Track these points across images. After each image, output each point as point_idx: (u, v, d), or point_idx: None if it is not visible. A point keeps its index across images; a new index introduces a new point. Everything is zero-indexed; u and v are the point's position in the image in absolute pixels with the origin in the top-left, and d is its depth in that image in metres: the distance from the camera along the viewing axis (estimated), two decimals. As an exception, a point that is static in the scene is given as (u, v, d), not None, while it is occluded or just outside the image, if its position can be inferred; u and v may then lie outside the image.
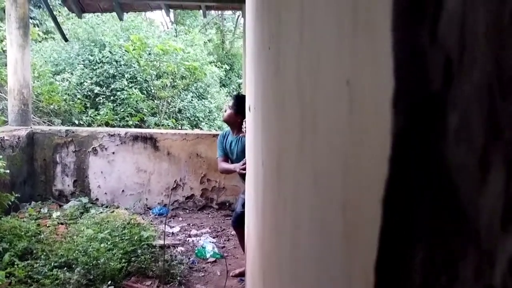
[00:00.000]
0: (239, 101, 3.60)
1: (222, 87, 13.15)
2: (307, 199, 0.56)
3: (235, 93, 3.99)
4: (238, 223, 3.74)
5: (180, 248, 4.48)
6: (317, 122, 0.49)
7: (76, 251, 3.80)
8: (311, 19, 0.56)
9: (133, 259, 3.85)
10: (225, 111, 3.69)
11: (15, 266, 3.58)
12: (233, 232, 5.13)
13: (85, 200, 5.68)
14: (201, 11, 7.23)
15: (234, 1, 6.29)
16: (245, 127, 3.62)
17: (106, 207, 5.81)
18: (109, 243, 4.01)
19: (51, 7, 6.92)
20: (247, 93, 3.53)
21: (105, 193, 5.97)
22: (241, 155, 3.56)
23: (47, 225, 4.75)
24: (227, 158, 3.73)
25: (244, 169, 3.32)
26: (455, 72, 0.22)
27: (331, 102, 0.41)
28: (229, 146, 3.70)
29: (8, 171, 4.43)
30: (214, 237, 4.91)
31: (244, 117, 3.61)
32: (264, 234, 1.25)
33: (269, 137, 1.13)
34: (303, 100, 0.58)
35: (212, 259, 4.27)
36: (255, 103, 1.95)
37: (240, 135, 3.64)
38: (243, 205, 3.71)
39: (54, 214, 5.15)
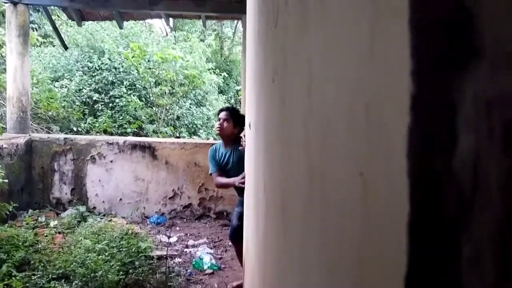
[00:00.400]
0: (236, 114, 3.64)
1: (220, 94, 13.17)
2: (316, 258, 0.57)
3: (225, 106, 3.92)
4: (235, 237, 3.73)
5: (177, 259, 4.48)
6: (327, 194, 0.50)
7: (74, 263, 3.80)
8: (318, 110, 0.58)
9: (130, 271, 3.85)
10: (221, 124, 3.60)
11: (13, 277, 3.57)
12: (231, 243, 5.15)
13: (82, 208, 5.67)
14: (200, 20, 7.27)
15: (234, 11, 6.32)
16: (244, 141, 3.62)
17: (104, 215, 5.81)
18: (106, 254, 4.01)
19: (51, 14, 6.94)
20: (246, 108, 3.55)
21: (103, 202, 5.97)
22: (238, 165, 3.53)
23: (45, 235, 4.73)
24: (221, 172, 3.67)
25: (243, 183, 3.32)
26: (468, 208, 0.24)
27: (343, 187, 0.43)
28: (223, 158, 3.64)
29: (6, 180, 4.42)
30: (211, 248, 4.91)
31: (241, 129, 3.62)
32: (266, 264, 1.27)
33: (273, 171, 1.15)
34: (310, 163, 0.60)
35: (210, 271, 4.27)
36: (256, 124, 1.97)
37: (240, 148, 3.64)
38: (238, 219, 3.72)
39: (52, 223, 5.14)
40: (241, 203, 3.72)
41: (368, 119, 0.36)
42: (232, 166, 3.60)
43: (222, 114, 3.60)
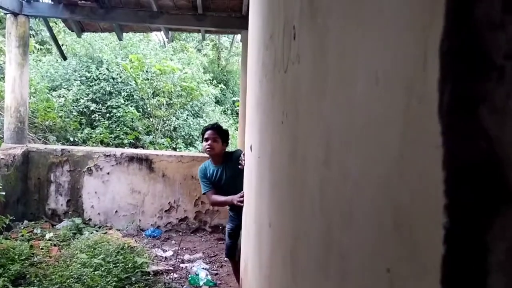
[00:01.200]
0: (223, 132, 3.65)
1: (217, 104, 13.21)
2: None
3: (210, 124, 3.87)
4: (230, 255, 3.77)
5: (173, 275, 4.47)
6: (347, 271, 0.53)
7: (70, 278, 3.79)
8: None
9: (126, 287, 3.85)
10: (211, 144, 3.53)
11: (9, 292, 3.55)
12: (226, 259, 5.16)
13: (78, 220, 5.66)
14: (199, 33, 7.33)
15: (233, 26, 6.38)
16: (243, 160, 3.63)
17: (99, 227, 5.80)
18: (103, 269, 4.01)
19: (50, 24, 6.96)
20: (247, 128, 3.58)
21: (98, 214, 5.96)
22: (232, 180, 3.54)
23: (40, 247, 4.72)
24: (215, 189, 3.62)
25: (242, 201, 3.34)
26: None
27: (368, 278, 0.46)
28: (215, 175, 3.61)
29: (3, 193, 4.41)
30: (207, 263, 4.91)
31: (227, 144, 3.70)
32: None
33: (282, 211, 1.18)
34: (329, 234, 0.63)
35: (206, 287, 4.27)
36: (259, 152, 2.00)
37: (239, 167, 3.65)
38: (230, 236, 3.75)
39: (47, 235, 5.13)
40: (232, 219, 3.77)
41: (399, 231, 0.40)
42: (225, 181, 3.59)
43: (210, 134, 3.56)
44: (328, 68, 0.70)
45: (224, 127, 3.78)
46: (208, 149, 3.54)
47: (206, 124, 10.41)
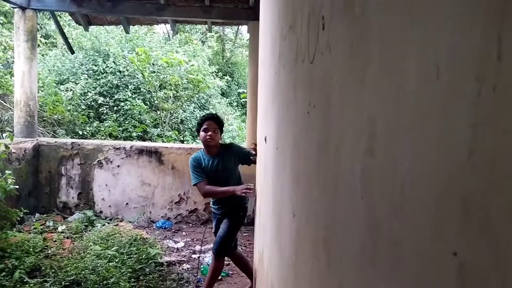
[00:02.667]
0: (221, 123, 3.60)
1: (223, 97, 13.22)
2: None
3: (209, 114, 3.76)
4: (225, 252, 3.66)
5: (185, 266, 4.51)
6: (403, 262, 0.54)
7: (85, 269, 3.84)
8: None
9: (141, 277, 3.89)
10: (212, 135, 3.45)
11: (25, 284, 3.60)
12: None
13: (89, 213, 5.71)
14: (204, 25, 7.31)
15: (240, 17, 6.36)
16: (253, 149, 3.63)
17: (110, 220, 5.85)
18: (117, 260, 4.05)
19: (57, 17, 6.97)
20: (259, 120, 3.59)
21: (109, 206, 6.00)
22: (226, 172, 3.53)
23: (53, 240, 4.78)
24: (207, 181, 3.52)
25: (246, 192, 3.33)
26: None
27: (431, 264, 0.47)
28: (210, 165, 3.52)
29: (17, 186, 4.45)
30: (219, 254, 4.94)
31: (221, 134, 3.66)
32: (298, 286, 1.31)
33: (308, 202, 1.19)
34: (373, 220, 0.64)
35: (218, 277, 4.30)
36: (277, 143, 2.00)
37: (252, 158, 3.65)
38: (215, 234, 3.69)
39: (60, 228, 5.19)
40: (214, 216, 3.76)
41: (469, 215, 0.41)
42: (220, 173, 3.52)
43: (211, 124, 3.48)
44: (370, 57, 0.70)
45: (222, 117, 3.79)
46: (209, 140, 3.45)
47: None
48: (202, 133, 3.47)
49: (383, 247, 0.62)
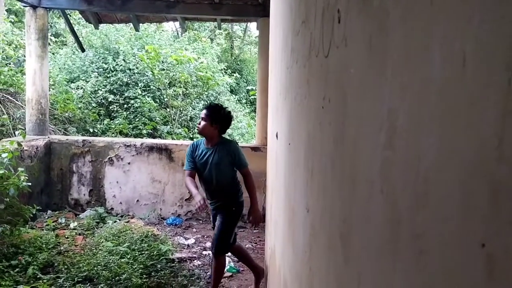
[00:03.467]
0: (214, 112, 3.51)
1: (232, 94, 13.22)
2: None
3: (210, 103, 3.77)
4: (219, 250, 3.60)
5: (196, 262, 4.53)
6: (432, 257, 0.54)
7: (97, 265, 3.87)
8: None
9: (153, 274, 3.92)
10: (199, 123, 3.52)
11: (39, 280, 3.64)
12: (248, 245, 5.20)
13: (101, 210, 5.75)
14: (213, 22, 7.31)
15: (249, 14, 6.35)
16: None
17: (121, 216, 5.89)
18: (128, 256, 4.08)
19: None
20: (270, 117, 3.58)
21: (120, 203, 6.04)
22: (216, 167, 3.47)
23: (66, 236, 4.82)
24: (194, 172, 3.56)
25: (199, 209, 3.36)
26: None
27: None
28: (202, 156, 3.51)
29: (30, 183, 4.50)
30: (229, 251, 4.96)
31: (221, 127, 3.52)
32: (311, 282, 1.31)
33: (323, 196, 1.19)
34: (396, 214, 0.64)
35: (229, 274, 4.32)
36: (290, 139, 2.00)
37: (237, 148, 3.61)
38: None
39: (72, 224, 5.23)
40: (211, 213, 3.74)
41: (498, 207, 0.40)
42: (210, 166, 3.49)
43: (202, 113, 3.55)
44: (390, 50, 0.70)
45: (228, 110, 3.65)
46: (197, 127, 3.58)
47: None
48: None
49: (404, 240, 0.62)
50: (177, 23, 14.40)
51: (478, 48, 0.45)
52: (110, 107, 9.04)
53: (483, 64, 0.43)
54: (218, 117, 3.49)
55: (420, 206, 0.56)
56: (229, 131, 10.38)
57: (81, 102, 8.52)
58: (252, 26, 17.49)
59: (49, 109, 7.00)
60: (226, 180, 3.53)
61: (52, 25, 11.96)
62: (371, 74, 0.79)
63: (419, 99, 0.58)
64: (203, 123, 3.47)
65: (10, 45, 8.34)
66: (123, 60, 9.41)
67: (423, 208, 0.56)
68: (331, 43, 1.13)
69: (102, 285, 3.58)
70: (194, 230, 5.69)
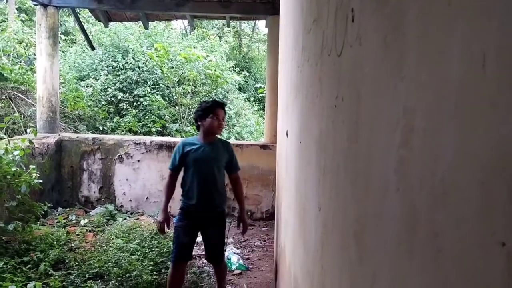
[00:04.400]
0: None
1: (240, 92, 13.23)
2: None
3: (216, 100, 3.69)
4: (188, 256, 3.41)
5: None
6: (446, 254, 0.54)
7: (108, 262, 3.90)
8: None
9: (163, 270, 3.94)
10: (222, 124, 3.31)
11: (50, 276, 3.68)
12: (257, 243, 5.21)
13: (110, 207, 5.80)
14: (221, 20, 7.32)
15: (258, 12, 6.35)
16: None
17: (131, 213, 5.93)
18: (139, 254, 4.11)
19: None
20: (279, 115, 3.59)
21: (130, 200, 6.08)
22: (216, 164, 3.28)
23: (76, 233, 4.87)
24: (177, 174, 3.37)
25: (159, 229, 3.31)
26: None
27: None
28: (201, 150, 3.25)
29: (41, 181, 4.55)
30: (238, 248, 4.98)
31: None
32: (323, 281, 1.32)
33: (336, 195, 1.19)
34: (412, 209, 0.64)
35: (238, 271, 4.33)
36: (300, 137, 2.00)
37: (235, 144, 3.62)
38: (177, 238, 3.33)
39: (82, 221, 5.28)
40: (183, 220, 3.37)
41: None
42: (208, 159, 3.26)
43: (222, 113, 3.31)
44: (406, 49, 0.70)
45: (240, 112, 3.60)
46: (220, 129, 3.31)
47: (230, 111, 10.47)
48: (210, 120, 3.23)
49: (421, 239, 0.62)
50: (185, 21, 14.46)
51: (500, 48, 0.45)
52: (120, 105, 9.09)
53: (505, 63, 0.43)
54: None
55: (439, 205, 0.57)
56: (237, 129, 10.42)
57: (91, 100, 8.59)
58: (261, 24, 17.53)
59: (60, 107, 7.07)
60: (222, 180, 3.35)
61: (61, 23, 12.05)
62: (386, 73, 0.79)
63: (438, 98, 0.58)
64: (225, 124, 3.38)
65: (20, 43, 8.42)
66: (133, 58, 9.47)
67: (441, 207, 0.56)
68: (344, 41, 1.13)
69: (112, 281, 3.61)
70: (203, 227, 5.71)
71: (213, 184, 3.27)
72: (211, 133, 3.29)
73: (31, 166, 4.55)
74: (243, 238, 5.32)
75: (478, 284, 0.48)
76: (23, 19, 10.57)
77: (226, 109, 9.78)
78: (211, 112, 3.25)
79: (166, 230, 3.37)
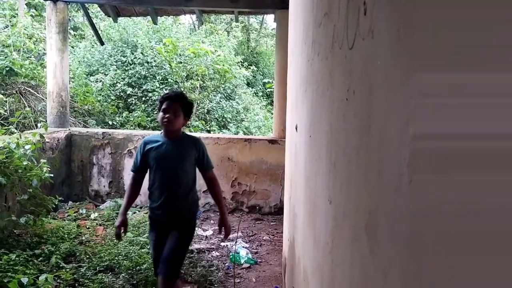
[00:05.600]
0: (188, 105, 2.98)
1: (248, 87, 13.23)
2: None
3: (173, 92, 3.03)
4: (174, 274, 2.98)
5: (215, 253, 4.58)
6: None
7: (118, 255, 3.94)
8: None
9: (172, 264, 3.96)
10: (169, 117, 2.85)
11: (62, 269, 3.73)
12: (265, 237, 5.23)
13: (120, 201, 5.83)
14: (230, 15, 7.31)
15: (267, 6, 6.33)
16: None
17: (140, 207, 5.97)
18: (148, 247, 4.14)
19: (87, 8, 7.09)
20: (289, 109, 3.58)
21: (139, 194, 6.10)
22: (179, 163, 2.90)
23: (87, 226, 4.92)
24: (141, 176, 3.06)
25: (116, 233, 2.96)
26: None
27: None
28: (163, 148, 2.89)
29: (52, 175, 4.59)
30: (246, 242, 5.00)
31: (189, 118, 3.12)
32: (333, 274, 1.32)
33: (347, 189, 1.19)
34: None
35: (247, 265, 4.35)
36: (310, 131, 2.00)
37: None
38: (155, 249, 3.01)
39: (92, 215, 5.33)
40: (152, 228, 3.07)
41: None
42: (170, 158, 2.90)
43: (172, 105, 2.86)
44: (420, 42, 0.70)
45: (189, 99, 3.08)
46: (165, 123, 2.85)
47: (238, 106, 10.50)
48: (160, 114, 2.89)
49: (436, 232, 0.62)
50: (194, 16, 14.46)
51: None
52: (129, 100, 9.14)
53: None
54: (190, 109, 3.02)
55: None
56: (246, 124, 10.43)
57: (100, 95, 8.64)
58: (269, 18, 17.46)
59: (70, 102, 7.12)
60: (189, 181, 2.99)
61: (70, 18, 12.11)
62: (400, 65, 0.79)
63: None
64: (176, 118, 2.87)
65: (30, 38, 8.48)
66: (141, 53, 9.50)
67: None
68: (356, 35, 1.13)
69: (123, 274, 3.65)
70: (212, 221, 5.74)
71: (177, 185, 2.92)
72: (165, 130, 2.94)
73: (42, 160, 4.59)
74: (252, 233, 5.35)
75: (491, 274, 0.48)
76: (33, 14, 10.64)
77: (234, 103, 9.70)
78: (160, 104, 2.93)
79: (122, 235, 3.02)
